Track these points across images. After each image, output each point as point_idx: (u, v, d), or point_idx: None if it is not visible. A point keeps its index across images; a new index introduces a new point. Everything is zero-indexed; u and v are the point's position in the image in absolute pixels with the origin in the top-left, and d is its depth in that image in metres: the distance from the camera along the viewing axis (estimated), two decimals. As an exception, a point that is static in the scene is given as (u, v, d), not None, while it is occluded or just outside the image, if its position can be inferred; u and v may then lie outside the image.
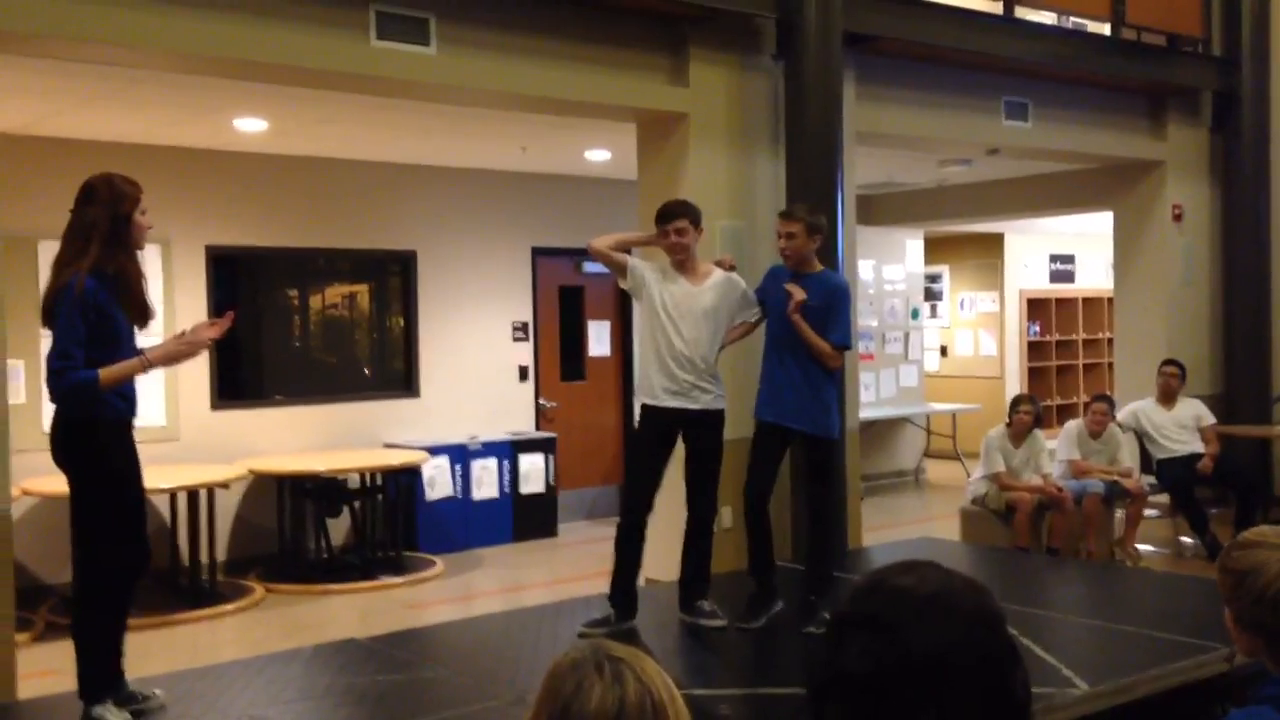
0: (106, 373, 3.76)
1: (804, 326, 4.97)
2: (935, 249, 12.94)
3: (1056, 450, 7.78)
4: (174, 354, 4.01)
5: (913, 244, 11.95)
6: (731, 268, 5.16)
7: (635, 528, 4.99)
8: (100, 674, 3.90)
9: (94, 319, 3.76)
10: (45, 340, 3.84)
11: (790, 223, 5.07)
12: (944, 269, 13.78)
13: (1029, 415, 7.45)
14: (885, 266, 11.59)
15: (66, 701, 4.01)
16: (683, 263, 5.00)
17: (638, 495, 4.99)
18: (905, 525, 9.09)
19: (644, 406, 5.02)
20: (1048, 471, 7.43)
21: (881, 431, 11.44)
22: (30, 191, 6.95)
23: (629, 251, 5.30)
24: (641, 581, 5.26)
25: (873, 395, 11.18)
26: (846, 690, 1.23)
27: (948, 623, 1.22)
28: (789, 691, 4.31)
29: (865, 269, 10.82)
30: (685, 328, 4.93)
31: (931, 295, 13.46)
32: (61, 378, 3.74)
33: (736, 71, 6.60)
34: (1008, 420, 7.52)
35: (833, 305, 5.04)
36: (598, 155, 8.50)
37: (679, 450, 5.07)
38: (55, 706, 4.22)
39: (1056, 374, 13.82)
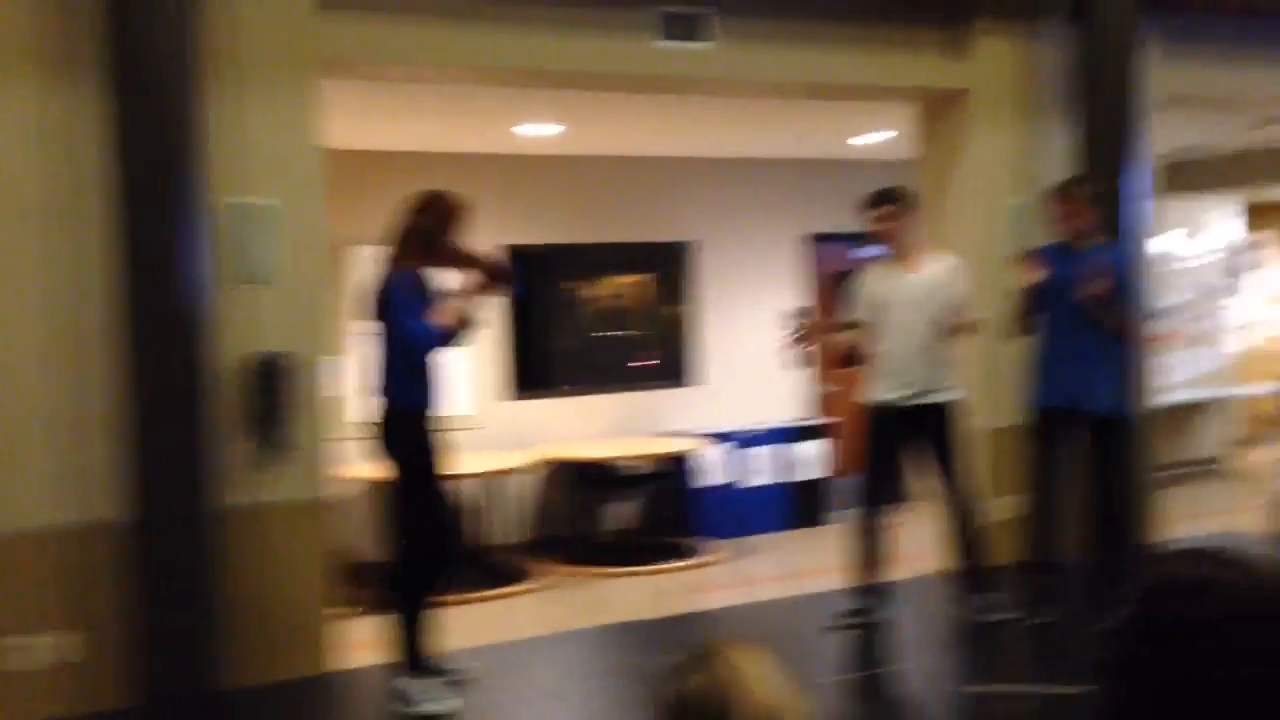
0: (441, 318, 4.20)
1: (1097, 307, 4.73)
2: (1256, 217, 11.87)
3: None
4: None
5: (1226, 213, 11.03)
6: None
7: (874, 520, 4.94)
8: (415, 648, 4.24)
9: (420, 305, 4.16)
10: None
11: (1068, 201, 4.90)
12: (1265, 238, 12.63)
13: None
14: (1195, 238, 10.75)
15: (378, 673, 4.35)
16: (898, 252, 4.90)
17: (874, 489, 4.95)
18: (1209, 517, 8.43)
19: (875, 401, 4.96)
20: None
21: (1185, 415, 10.64)
22: (341, 202, 7.54)
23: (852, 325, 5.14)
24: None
25: (1182, 375, 10.41)
26: (1151, 682, 1.08)
27: None
28: (1071, 691, 4.12)
29: (1173, 241, 10.08)
30: (905, 319, 4.83)
31: (1248, 267, 12.36)
32: (429, 337, 4.17)
33: (1022, 40, 6.32)
34: None
35: (1121, 278, 4.78)
36: (871, 138, 8.35)
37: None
38: (366, 678, 4.57)
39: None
